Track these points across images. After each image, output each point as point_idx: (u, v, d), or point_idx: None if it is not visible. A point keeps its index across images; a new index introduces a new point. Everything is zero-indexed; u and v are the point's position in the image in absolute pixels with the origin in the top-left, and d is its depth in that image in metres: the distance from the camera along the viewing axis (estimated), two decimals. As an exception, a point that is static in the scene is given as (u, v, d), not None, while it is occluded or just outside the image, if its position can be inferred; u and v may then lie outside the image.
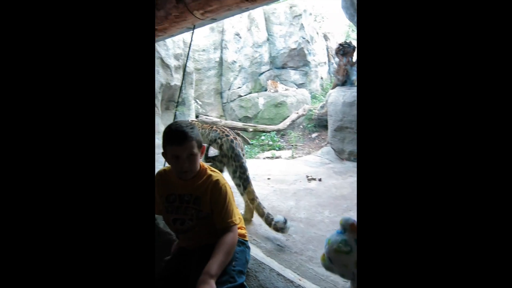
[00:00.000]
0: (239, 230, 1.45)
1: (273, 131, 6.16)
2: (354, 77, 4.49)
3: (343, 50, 4.51)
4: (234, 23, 7.39)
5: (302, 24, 7.39)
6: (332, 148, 4.24)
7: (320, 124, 5.86)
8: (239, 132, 6.29)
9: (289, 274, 1.44)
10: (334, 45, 8.52)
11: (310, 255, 1.68)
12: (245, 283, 1.25)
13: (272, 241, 1.83)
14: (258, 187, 2.98)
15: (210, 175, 1.32)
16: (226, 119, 7.01)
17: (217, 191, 1.28)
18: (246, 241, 1.45)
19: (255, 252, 1.60)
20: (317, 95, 7.41)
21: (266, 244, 1.78)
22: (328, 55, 8.44)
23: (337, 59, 4.75)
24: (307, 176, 3.28)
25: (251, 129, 6.13)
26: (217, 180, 1.30)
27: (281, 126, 6.25)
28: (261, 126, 6.34)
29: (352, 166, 3.64)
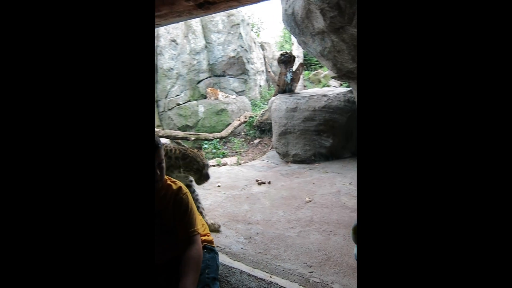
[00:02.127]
0: (206, 237, 1.42)
1: (216, 139, 6.11)
2: (294, 85, 4.79)
3: (285, 59, 4.76)
4: (170, 29, 7.16)
5: (240, 33, 7.58)
6: (277, 152, 4.42)
7: (262, 130, 6.05)
8: (180, 141, 6.09)
9: (259, 273, 1.45)
10: (270, 54, 8.94)
11: (274, 253, 1.72)
12: (220, 288, 1.22)
13: (236, 246, 1.81)
14: (210, 195, 2.93)
15: (170, 186, 1.25)
16: (163, 129, 6.70)
17: (178, 202, 1.23)
18: (214, 247, 1.42)
19: (222, 258, 1.57)
20: (257, 102, 7.63)
21: (231, 249, 1.76)
22: (265, 64, 8.79)
23: (274, 68, 4.97)
24: (257, 180, 3.34)
25: (193, 138, 5.97)
26: (178, 190, 1.25)
27: (223, 133, 6.25)
28: (203, 135, 6.23)
29: (297, 168, 3.85)
